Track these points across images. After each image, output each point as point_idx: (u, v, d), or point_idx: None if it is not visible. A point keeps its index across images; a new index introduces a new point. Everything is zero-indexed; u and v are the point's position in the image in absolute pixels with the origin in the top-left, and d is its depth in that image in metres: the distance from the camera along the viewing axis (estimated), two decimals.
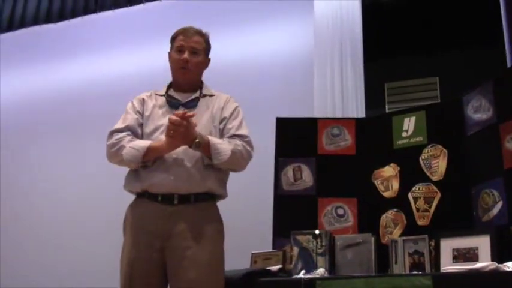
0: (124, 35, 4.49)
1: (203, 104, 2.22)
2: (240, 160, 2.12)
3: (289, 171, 2.84)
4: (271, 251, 2.62)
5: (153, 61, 4.14)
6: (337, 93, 3.61)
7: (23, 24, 4.82)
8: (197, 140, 2.00)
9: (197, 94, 2.23)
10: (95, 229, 4.02)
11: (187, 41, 2.21)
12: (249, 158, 2.17)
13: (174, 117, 1.97)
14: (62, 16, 4.69)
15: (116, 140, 2.11)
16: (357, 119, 3.02)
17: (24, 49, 4.78)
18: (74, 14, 4.68)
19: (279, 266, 2.44)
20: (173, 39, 2.27)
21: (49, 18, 4.74)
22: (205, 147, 2.04)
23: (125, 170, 2.17)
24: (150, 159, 2.07)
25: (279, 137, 2.91)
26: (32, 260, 4.21)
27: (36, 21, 4.78)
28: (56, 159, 4.46)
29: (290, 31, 4.03)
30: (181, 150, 2.06)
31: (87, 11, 4.64)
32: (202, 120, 2.15)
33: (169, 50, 2.29)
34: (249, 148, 2.15)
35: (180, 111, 2.06)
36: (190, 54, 2.20)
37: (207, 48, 2.28)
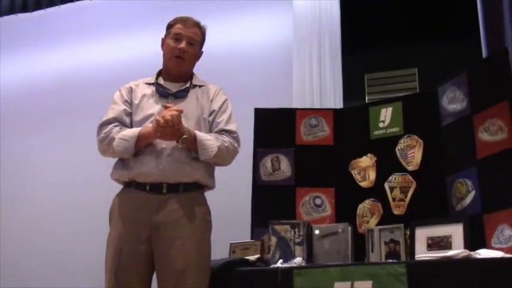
0: (102, 25, 4.43)
1: (193, 95, 2.20)
2: (225, 156, 2.13)
3: (267, 162, 2.86)
4: (249, 241, 2.64)
5: (132, 51, 4.14)
6: (316, 84, 3.62)
7: None
8: (184, 136, 2.00)
9: (187, 84, 2.21)
10: (82, 221, 3.95)
11: (186, 30, 2.19)
12: (235, 154, 2.18)
13: (162, 120, 1.96)
14: (38, 5, 4.60)
15: (104, 134, 2.10)
16: (334, 110, 3.03)
17: None
18: (51, 3, 4.59)
19: (257, 256, 2.46)
20: (170, 26, 2.24)
21: (25, 7, 4.65)
22: (192, 142, 2.04)
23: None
24: (142, 146, 2.06)
25: (258, 127, 2.91)
26: (19, 251, 4.15)
27: (12, 10, 4.68)
28: (39, 152, 4.39)
29: (269, 22, 4.02)
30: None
31: None
32: (192, 111, 2.15)
33: (163, 37, 2.25)
34: (236, 144, 2.16)
35: (170, 104, 2.06)
36: (187, 45, 2.17)
37: (202, 41, 2.27)
